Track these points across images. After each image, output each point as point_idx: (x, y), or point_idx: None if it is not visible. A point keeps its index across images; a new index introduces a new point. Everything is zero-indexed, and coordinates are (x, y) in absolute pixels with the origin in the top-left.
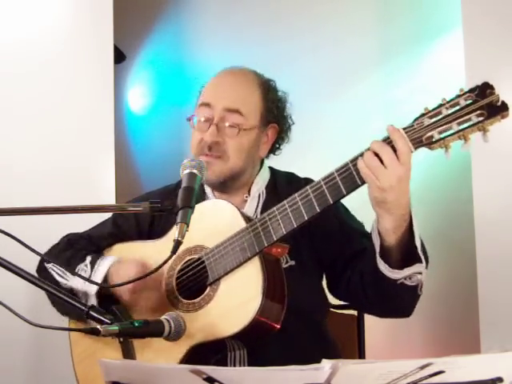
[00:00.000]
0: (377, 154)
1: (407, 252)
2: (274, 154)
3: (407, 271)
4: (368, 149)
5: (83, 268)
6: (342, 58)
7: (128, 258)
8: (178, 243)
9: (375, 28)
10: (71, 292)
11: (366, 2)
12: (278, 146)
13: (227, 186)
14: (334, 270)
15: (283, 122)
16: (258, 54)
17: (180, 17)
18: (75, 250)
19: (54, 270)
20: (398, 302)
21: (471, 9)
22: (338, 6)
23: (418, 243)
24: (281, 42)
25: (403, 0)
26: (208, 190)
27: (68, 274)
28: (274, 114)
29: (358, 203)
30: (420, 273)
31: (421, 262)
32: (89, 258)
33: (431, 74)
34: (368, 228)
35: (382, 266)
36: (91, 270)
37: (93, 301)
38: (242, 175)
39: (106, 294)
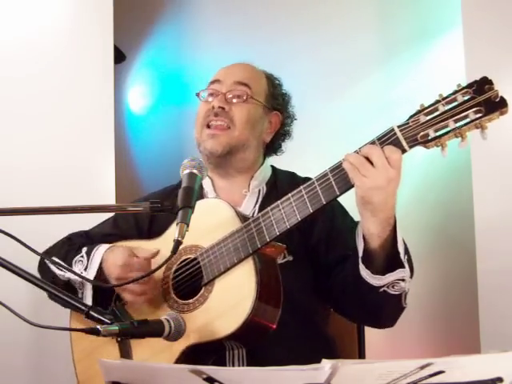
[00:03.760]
0: (366, 157)
1: (390, 258)
2: (276, 154)
3: (389, 277)
4: (359, 149)
5: (79, 259)
6: (342, 58)
7: (118, 246)
8: (177, 243)
9: (375, 28)
10: (68, 283)
11: (366, 2)
12: (279, 143)
13: (230, 162)
14: (319, 271)
15: (286, 115)
16: (258, 53)
17: (180, 17)
18: (72, 243)
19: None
20: (380, 311)
21: (471, 9)
22: (338, 6)
23: (400, 248)
24: (281, 41)
25: (403, 0)
26: (207, 184)
27: (65, 265)
28: (279, 102)
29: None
30: (403, 280)
31: (403, 267)
32: (84, 249)
33: (431, 73)
34: None
35: (364, 272)
36: (88, 260)
37: (89, 289)
38: (245, 151)
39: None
